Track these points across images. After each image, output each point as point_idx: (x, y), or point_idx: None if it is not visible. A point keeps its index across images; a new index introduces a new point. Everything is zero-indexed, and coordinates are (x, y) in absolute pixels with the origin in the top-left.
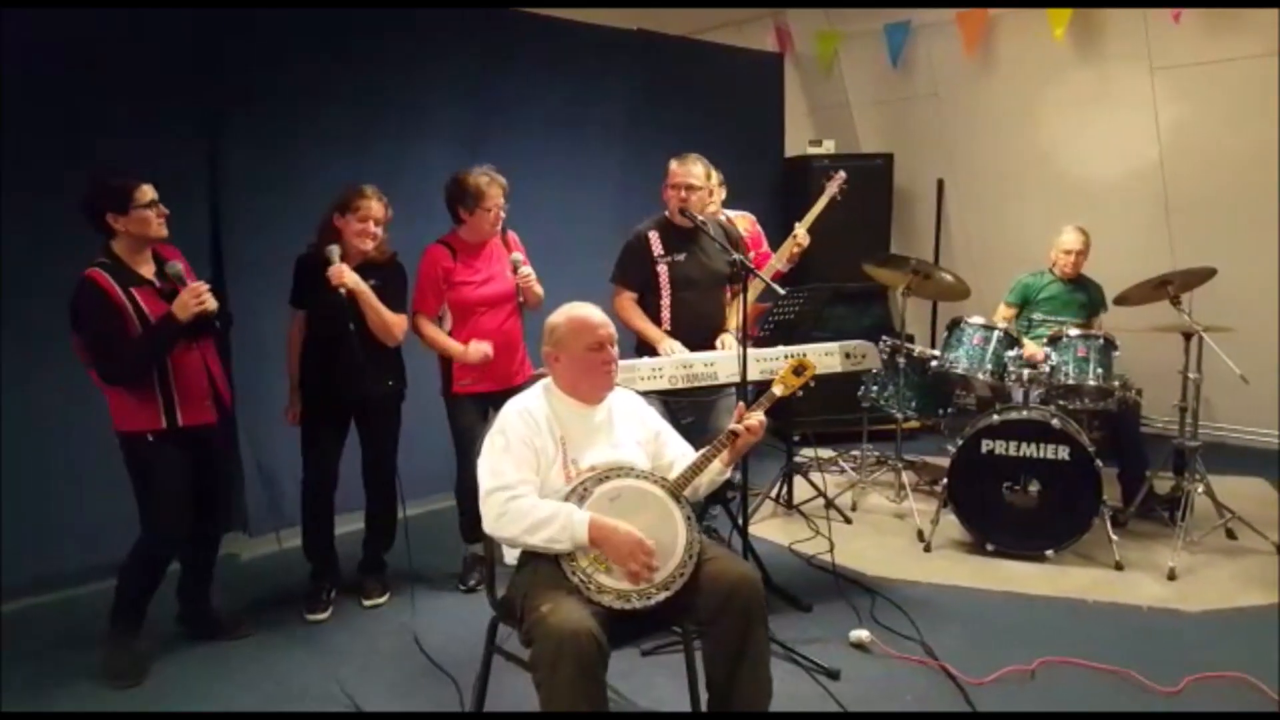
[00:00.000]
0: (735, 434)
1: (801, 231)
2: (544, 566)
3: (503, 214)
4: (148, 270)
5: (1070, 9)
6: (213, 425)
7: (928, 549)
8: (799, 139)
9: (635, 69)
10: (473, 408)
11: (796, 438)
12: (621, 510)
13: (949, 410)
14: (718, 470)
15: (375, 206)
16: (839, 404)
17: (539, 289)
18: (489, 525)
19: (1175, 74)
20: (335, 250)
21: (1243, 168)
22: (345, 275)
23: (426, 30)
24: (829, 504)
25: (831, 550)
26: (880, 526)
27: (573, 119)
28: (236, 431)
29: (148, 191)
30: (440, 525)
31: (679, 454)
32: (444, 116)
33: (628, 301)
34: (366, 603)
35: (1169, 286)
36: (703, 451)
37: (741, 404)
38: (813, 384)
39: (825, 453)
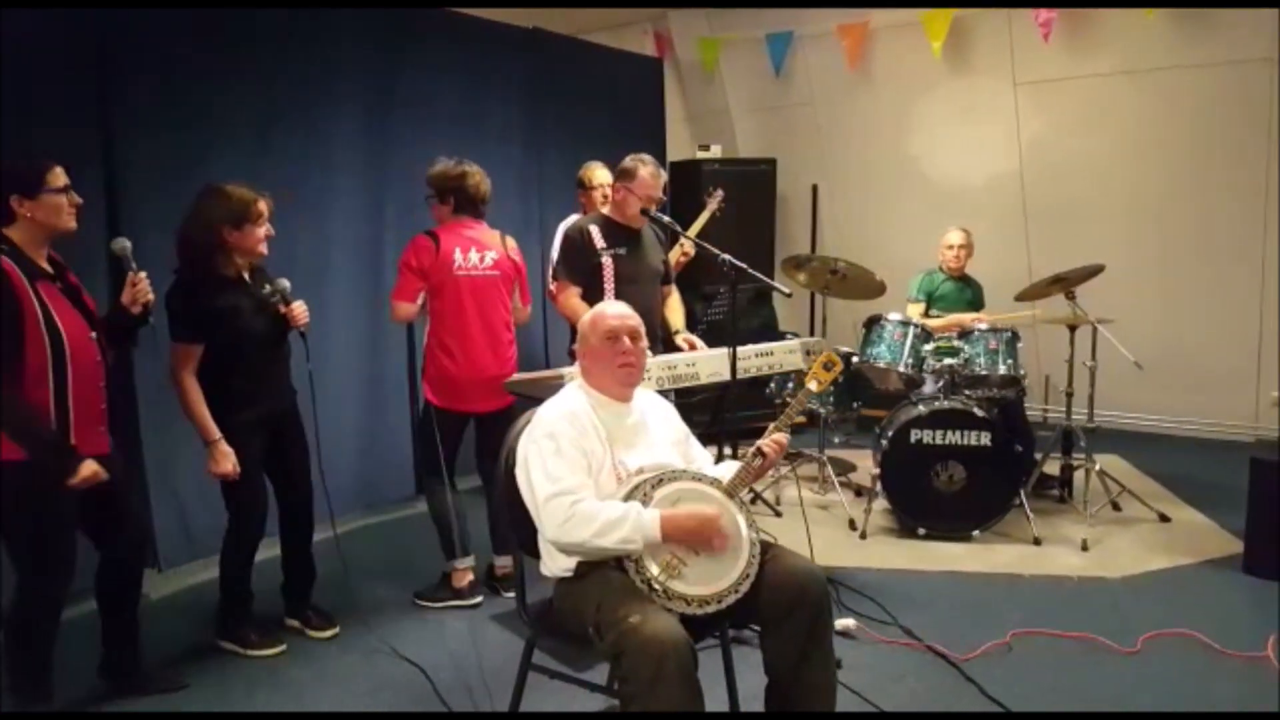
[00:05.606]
0: (762, 454)
1: (689, 243)
2: (615, 575)
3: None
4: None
5: (949, 20)
6: (105, 456)
7: (863, 536)
8: (677, 143)
9: (530, 68)
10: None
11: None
12: None
13: (860, 403)
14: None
15: (266, 204)
16: (747, 400)
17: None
18: (552, 532)
19: (1036, 89)
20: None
21: (1091, 177)
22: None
23: (326, 24)
24: (757, 497)
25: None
26: (809, 517)
27: (472, 115)
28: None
29: (60, 175)
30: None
31: (702, 457)
32: (346, 112)
33: (575, 297)
34: (320, 635)
35: (1062, 283)
36: (745, 461)
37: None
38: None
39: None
